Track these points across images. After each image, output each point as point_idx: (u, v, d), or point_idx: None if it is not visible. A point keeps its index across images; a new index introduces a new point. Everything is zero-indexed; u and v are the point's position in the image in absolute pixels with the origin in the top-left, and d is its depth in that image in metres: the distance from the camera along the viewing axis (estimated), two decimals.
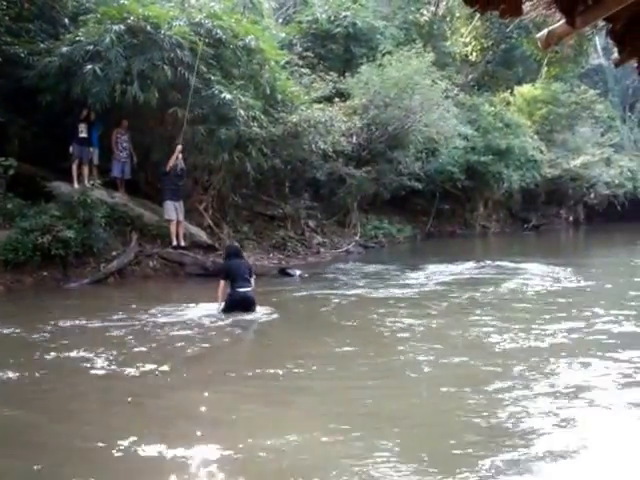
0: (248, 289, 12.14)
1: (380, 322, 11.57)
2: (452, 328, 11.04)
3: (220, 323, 11.53)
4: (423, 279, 16.92)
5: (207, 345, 10.32)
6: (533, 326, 10.94)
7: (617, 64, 4.34)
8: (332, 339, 10.35)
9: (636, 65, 4.09)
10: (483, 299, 14.03)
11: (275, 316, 12.17)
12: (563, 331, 10.59)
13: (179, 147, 17.08)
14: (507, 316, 12.00)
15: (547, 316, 11.85)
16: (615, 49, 4.10)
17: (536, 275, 17.25)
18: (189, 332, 10.89)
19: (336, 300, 13.82)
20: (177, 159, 17.11)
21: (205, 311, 12.19)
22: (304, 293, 14.95)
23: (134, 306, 12.76)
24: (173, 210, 17.14)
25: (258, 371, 8.61)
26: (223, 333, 11.10)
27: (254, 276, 12.56)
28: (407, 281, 16.61)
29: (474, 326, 11.09)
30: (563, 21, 3.84)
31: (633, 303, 13.13)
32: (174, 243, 17.05)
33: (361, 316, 12.24)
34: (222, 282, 12.17)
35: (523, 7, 3.76)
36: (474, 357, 9.04)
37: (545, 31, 4.15)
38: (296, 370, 8.57)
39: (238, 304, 12.02)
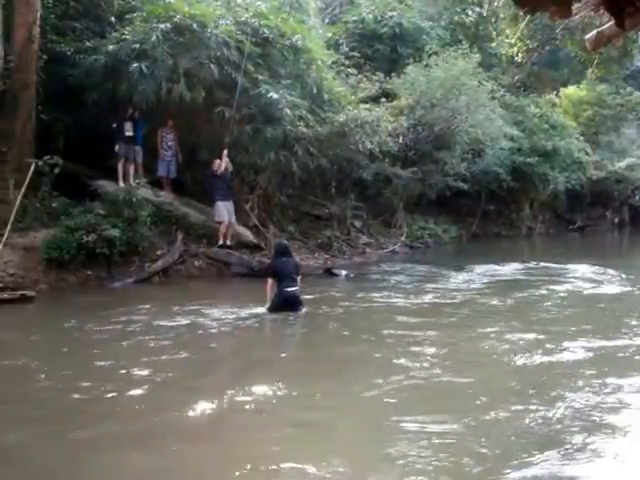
0: (295, 288, 12.08)
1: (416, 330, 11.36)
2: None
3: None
4: (469, 280, 16.71)
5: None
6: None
7: None
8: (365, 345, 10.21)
9: None
10: (530, 301, 13.89)
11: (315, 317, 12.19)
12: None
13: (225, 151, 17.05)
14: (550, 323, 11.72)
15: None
16: None
17: (579, 278, 16.89)
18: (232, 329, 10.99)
19: (378, 302, 13.68)
20: (226, 160, 17.07)
21: (253, 310, 12.14)
22: (348, 294, 14.76)
23: (176, 307, 12.62)
24: (224, 211, 17.05)
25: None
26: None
27: (300, 275, 12.44)
28: (452, 283, 16.42)
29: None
30: (612, 22, 3.74)
31: None
32: (220, 242, 16.94)
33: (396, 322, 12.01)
34: (270, 280, 12.09)
35: (572, 8, 3.57)
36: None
37: (594, 32, 4.13)
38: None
39: (285, 304, 11.96)
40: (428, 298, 14.13)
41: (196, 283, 16.20)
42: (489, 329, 10.84)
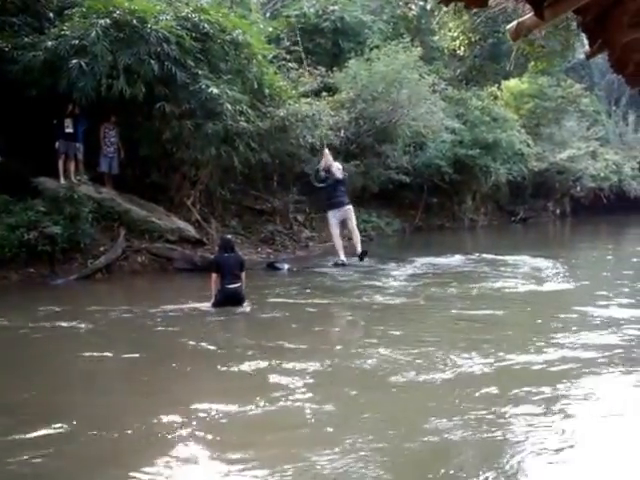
0: (237, 285, 12.22)
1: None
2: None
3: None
4: (409, 272, 16.97)
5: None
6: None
7: (588, 57, 4.39)
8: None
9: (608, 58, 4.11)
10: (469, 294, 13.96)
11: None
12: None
13: (326, 150, 17.18)
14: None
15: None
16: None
17: (520, 271, 17.16)
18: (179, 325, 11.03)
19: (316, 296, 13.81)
20: (330, 163, 17.14)
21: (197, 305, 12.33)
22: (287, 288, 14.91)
23: (122, 302, 12.71)
24: (336, 224, 17.26)
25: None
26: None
27: (245, 270, 12.58)
28: (392, 274, 16.68)
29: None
30: (532, 13, 3.86)
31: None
32: (341, 259, 17.06)
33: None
34: (214, 276, 12.24)
35: None
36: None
37: (514, 23, 4.21)
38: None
39: (227, 300, 12.13)
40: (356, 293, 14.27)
41: (139, 279, 16.27)
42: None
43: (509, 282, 15.19)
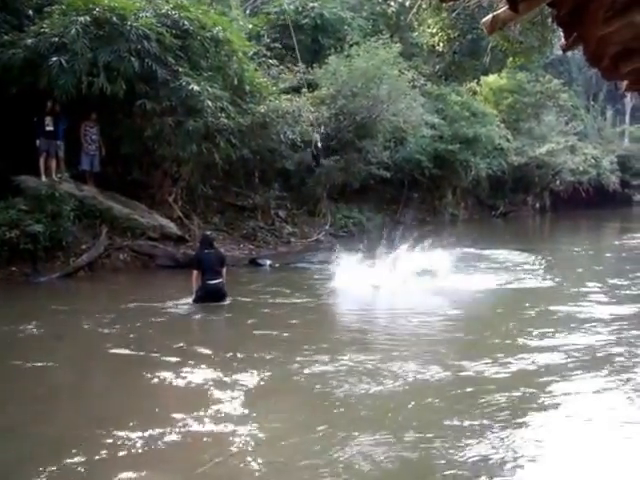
0: (217, 281, 12.34)
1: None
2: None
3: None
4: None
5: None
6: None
7: (564, 50, 4.44)
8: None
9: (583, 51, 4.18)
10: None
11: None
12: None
13: None
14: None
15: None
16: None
17: (499, 266, 17.27)
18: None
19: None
20: None
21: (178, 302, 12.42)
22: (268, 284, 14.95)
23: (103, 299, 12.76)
24: None
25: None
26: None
27: (226, 267, 12.69)
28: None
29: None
30: (507, 6, 3.89)
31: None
32: None
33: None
34: (195, 272, 12.33)
35: None
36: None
37: (490, 16, 4.24)
38: None
39: (207, 296, 12.25)
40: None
41: (122, 276, 16.30)
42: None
43: (486, 278, 15.25)
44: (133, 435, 6.17)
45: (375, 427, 6.40)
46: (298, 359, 8.74)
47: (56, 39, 16.07)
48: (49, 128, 17.09)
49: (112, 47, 16.42)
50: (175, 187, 19.66)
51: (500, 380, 7.84)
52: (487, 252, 19.44)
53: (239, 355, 9.05)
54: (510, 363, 8.50)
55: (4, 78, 16.17)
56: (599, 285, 14.64)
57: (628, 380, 7.95)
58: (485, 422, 6.53)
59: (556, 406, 7.14)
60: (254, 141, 20.32)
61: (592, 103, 54.04)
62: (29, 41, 16.25)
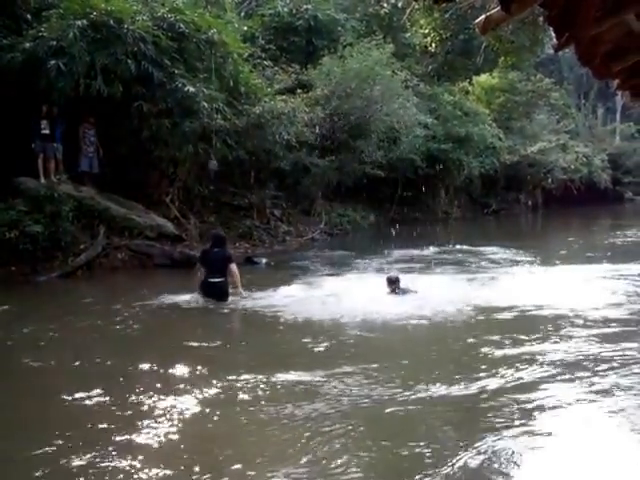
0: (217, 280, 12.39)
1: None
2: None
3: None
4: (385, 264, 17.19)
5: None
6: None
7: (556, 50, 4.54)
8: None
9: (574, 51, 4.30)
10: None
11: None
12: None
13: None
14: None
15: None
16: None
17: (486, 265, 17.36)
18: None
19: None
20: None
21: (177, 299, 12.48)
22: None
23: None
24: None
25: None
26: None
27: (234, 264, 12.70)
28: (364, 266, 16.95)
29: None
30: (499, 7, 3.99)
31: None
32: None
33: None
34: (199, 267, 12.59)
35: None
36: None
37: (482, 17, 4.32)
38: None
39: (206, 293, 12.37)
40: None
41: (120, 275, 16.42)
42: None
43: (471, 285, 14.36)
44: None
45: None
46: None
47: (54, 43, 16.20)
48: (45, 131, 17.19)
49: (109, 50, 16.58)
50: (172, 187, 19.82)
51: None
52: (481, 249, 19.66)
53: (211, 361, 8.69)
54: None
55: (3, 81, 16.29)
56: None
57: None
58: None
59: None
60: (249, 142, 20.53)
61: (583, 101, 54.47)
62: (27, 45, 16.38)
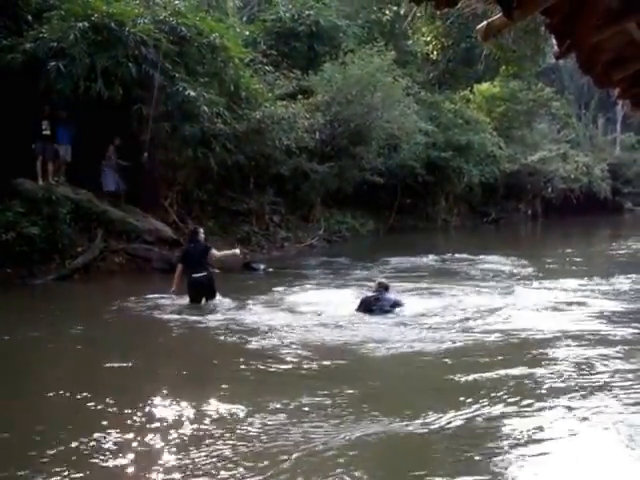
0: (202, 274, 12.26)
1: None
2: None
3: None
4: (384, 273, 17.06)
5: None
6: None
7: (557, 57, 4.47)
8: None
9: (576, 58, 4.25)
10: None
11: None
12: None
13: None
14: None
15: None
16: None
17: (481, 275, 17.08)
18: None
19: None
20: None
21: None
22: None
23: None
24: None
25: None
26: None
27: (213, 253, 12.62)
28: (363, 275, 16.78)
29: None
30: (501, 14, 3.94)
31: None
32: None
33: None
34: (179, 266, 12.47)
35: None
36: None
37: (484, 23, 4.27)
38: None
39: (193, 290, 12.25)
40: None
41: (116, 279, 16.37)
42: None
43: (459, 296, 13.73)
44: None
45: None
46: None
47: (55, 44, 16.23)
48: (46, 132, 17.17)
49: (110, 52, 16.60)
50: (171, 191, 19.76)
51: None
52: (480, 257, 19.59)
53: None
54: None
55: (3, 82, 16.23)
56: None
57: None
58: None
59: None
60: (249, 146, 20.49)
61: (584, 111, 54.49)
62: (28, 46, 16.40)
